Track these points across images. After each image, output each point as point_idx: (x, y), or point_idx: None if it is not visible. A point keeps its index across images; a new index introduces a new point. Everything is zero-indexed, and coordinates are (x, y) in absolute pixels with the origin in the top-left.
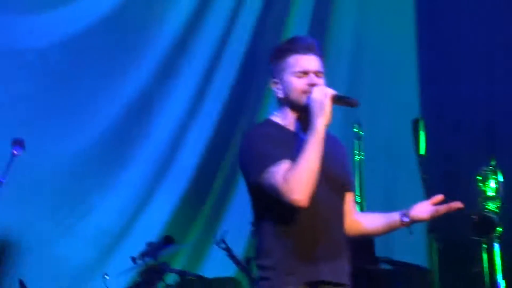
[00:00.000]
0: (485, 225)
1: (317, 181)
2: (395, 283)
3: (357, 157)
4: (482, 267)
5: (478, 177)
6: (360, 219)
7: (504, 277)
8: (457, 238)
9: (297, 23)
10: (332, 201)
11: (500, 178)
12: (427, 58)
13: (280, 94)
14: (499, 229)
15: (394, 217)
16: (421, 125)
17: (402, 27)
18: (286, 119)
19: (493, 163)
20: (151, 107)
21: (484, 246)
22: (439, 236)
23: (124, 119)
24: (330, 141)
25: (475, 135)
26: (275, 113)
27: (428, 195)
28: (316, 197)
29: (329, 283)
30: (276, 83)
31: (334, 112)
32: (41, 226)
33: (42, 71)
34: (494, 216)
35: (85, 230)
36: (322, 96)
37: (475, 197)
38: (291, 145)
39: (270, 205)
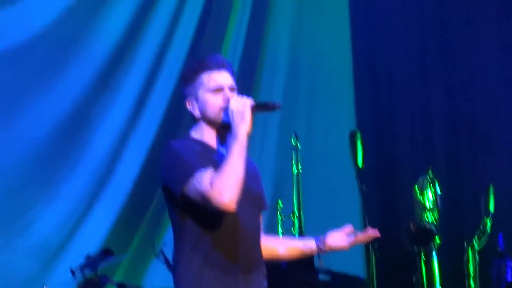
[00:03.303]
0: (423, 235)
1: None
2: None
3: (295, 170)
4: (420, 276)
5: (415, 188)
6: (270, 243)
7: (441, 287)
8: (395, 248)
9: (234, 35)
10: (251, 215)
11: (438, 189)
12: (363, 69)
13: (197, 113)
14: (437, 239)
15: (309, 244)
16: (358, 137)
17: (337, 38)
18: (204, 136)
19: (430, 173)
20: (90, 119)
21: (422, 256)
22: (377, 246)
23: (62, 132)
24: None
25: (412, 145)
26: (192, 131)
27: (366, 207)
28: (237, 209)
29: None
30: (190, 102)
31: (270, 124)
32: None
33: None
34: (431, 226)
35: (25, 244)
36: (241, 106)
37: (413, 207)
38: (211, 159)
39: (192, 214)
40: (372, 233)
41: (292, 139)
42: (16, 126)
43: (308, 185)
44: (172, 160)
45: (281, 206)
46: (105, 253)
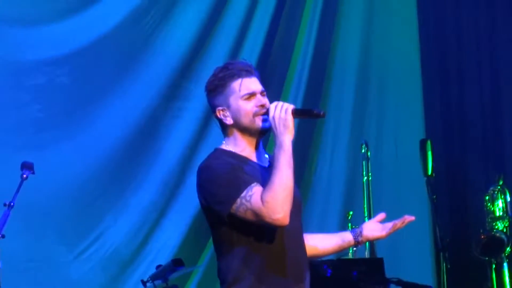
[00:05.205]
0: (494, 245)
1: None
2: None
3: (365, 178)
4: (491, 287)
5: (486, 197)
6: (309, 242)
7: None
8: (466, 257)
9: (304, 42)
10: (296, 222)
11: (508, 197)
12: (432, 76)
13: (229, 121)
14: (508, 248)
15: (347, 237)
16: (429, 145)
17: (407, 46)
18: (237, 145)
19: (501, 182)
20: (160, 128)
21: (493, 265)
22: (448, 255)
23: (132, 140)
24: None
25: (482, 154)
26: (224, 141)
27: (436, 217)
28: None
29: None
30: (222, 110)
31: (340, 132)
32: (53, 250)
33: (48, 92)
34: (503, 235)
35: (97, 254)
36: (283, 113)
37: (483, 217)
38: (249, 171)
39: (241, 232)
40: (408, 218)
41: (362, 148)
42: (85, 136)
43: (378, 193)
44: (214, 181)
45: (352, 214)
46: (176, 263)
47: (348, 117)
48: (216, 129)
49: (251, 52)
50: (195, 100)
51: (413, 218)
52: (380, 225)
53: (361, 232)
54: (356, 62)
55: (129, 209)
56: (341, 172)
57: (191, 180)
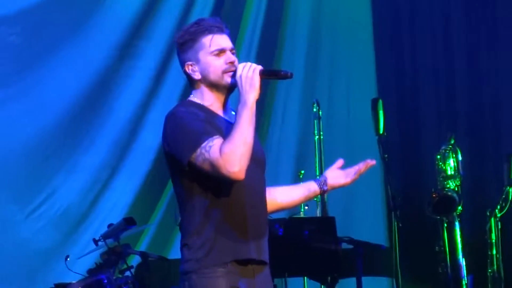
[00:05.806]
0: (445, 203)
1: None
2: (356, 262)
3: (316, 137)
4: (443, 245)
5: (437, 156)
6: (273, 195)
7: (464, 256)
8: (417, 216)
9: (255, 3)
10: (257, 177)
11: (459, 156)
12: (384, 36)
13: (197, 76)
14: (459, 207)
15: (312, 187)
16: (380, 104)
17: (358, 4)
18: (205, 100)
19: (452, 141)
20: (111, 87)
21: (445, 224)
22: (400, 214)
23: (84, 99)
24: None
25: (434, 113)
26: (192, 95)
27: (388, 176)
28: (245, 173)
29: (255, 261)
30: (191, 65)
31: (292, 91)
32: (4, 209)
33: None
34: (454, 194)
35: (48, 213)
36: (250, 72)
37: (435, 176)
38: (214, 124)
39: (201, 183)
40: (370, 162)
41: (314, 107)
42: (36, 95)
43: (330, 152)
44: (178, 128)
45: (303, 173)
46: (128, 222)
47: (300, 76)
48: (168, 87)
49: (201, 12)
50: (147, 59)
51: (374, 162)
52: (342, 172)
53: (325, 180)
54: (308, 21)
55: (80, 168)
56: (293, 131)
57: (142, 139)
